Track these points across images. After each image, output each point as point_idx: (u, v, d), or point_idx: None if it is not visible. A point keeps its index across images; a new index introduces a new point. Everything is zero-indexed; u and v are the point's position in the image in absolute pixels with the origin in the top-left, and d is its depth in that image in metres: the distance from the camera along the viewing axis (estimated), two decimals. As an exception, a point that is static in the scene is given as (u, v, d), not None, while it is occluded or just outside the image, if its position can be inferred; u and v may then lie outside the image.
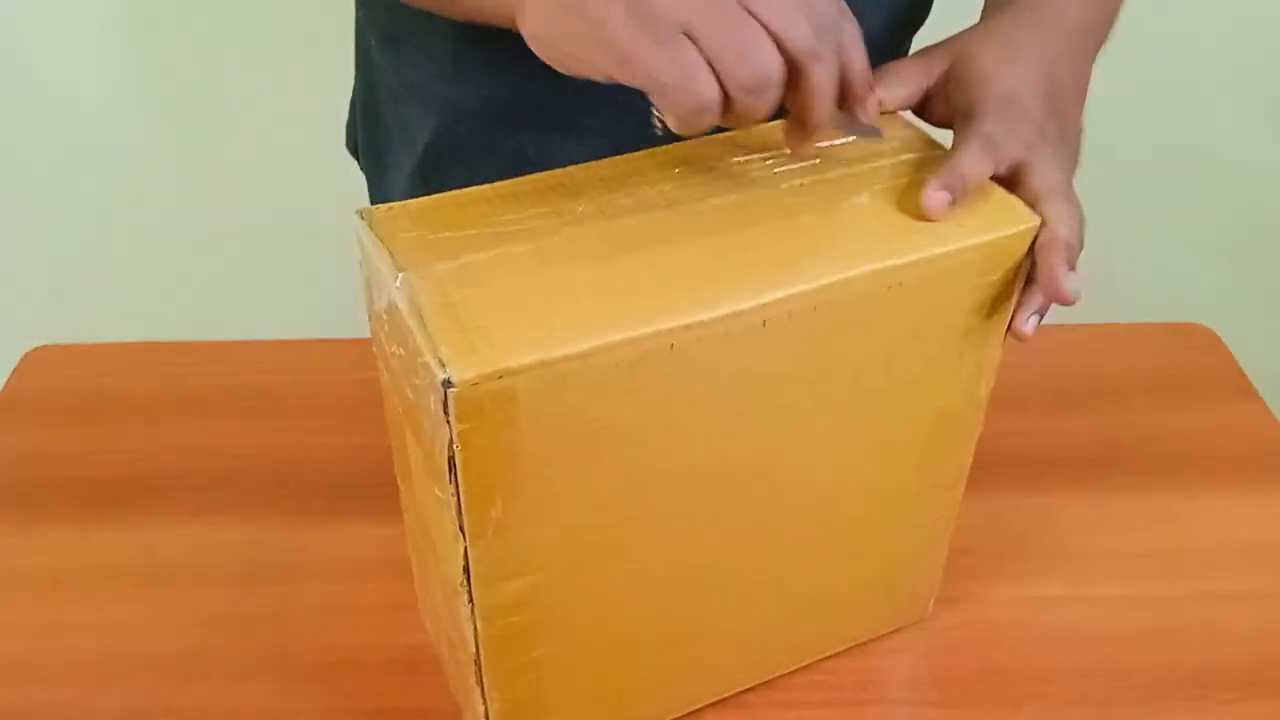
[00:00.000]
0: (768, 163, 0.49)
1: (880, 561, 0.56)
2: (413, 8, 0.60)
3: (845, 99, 0.46)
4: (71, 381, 0.75)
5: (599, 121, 0.61)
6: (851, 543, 0.54)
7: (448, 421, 0.39)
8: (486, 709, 0.49)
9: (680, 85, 0.40)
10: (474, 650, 0.47)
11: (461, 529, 0.42)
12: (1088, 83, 0.55)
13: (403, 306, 0.41)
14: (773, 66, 0.41)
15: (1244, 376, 0.76)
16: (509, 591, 0.45)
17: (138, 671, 0.57)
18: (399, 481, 0.53)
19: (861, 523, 0.53)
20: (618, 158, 0.49)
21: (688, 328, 0.41)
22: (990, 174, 0.47)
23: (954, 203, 0.45)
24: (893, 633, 0.60)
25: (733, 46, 0.40)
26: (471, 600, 0.44)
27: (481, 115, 0.66)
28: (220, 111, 1.24)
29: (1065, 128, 0.51)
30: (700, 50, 0.40)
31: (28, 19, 1.18)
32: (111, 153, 1.27)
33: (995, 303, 0.48)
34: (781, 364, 0.44)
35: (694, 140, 0.50)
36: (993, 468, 0.67)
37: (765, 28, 0.41)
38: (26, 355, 0.77)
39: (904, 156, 0.49)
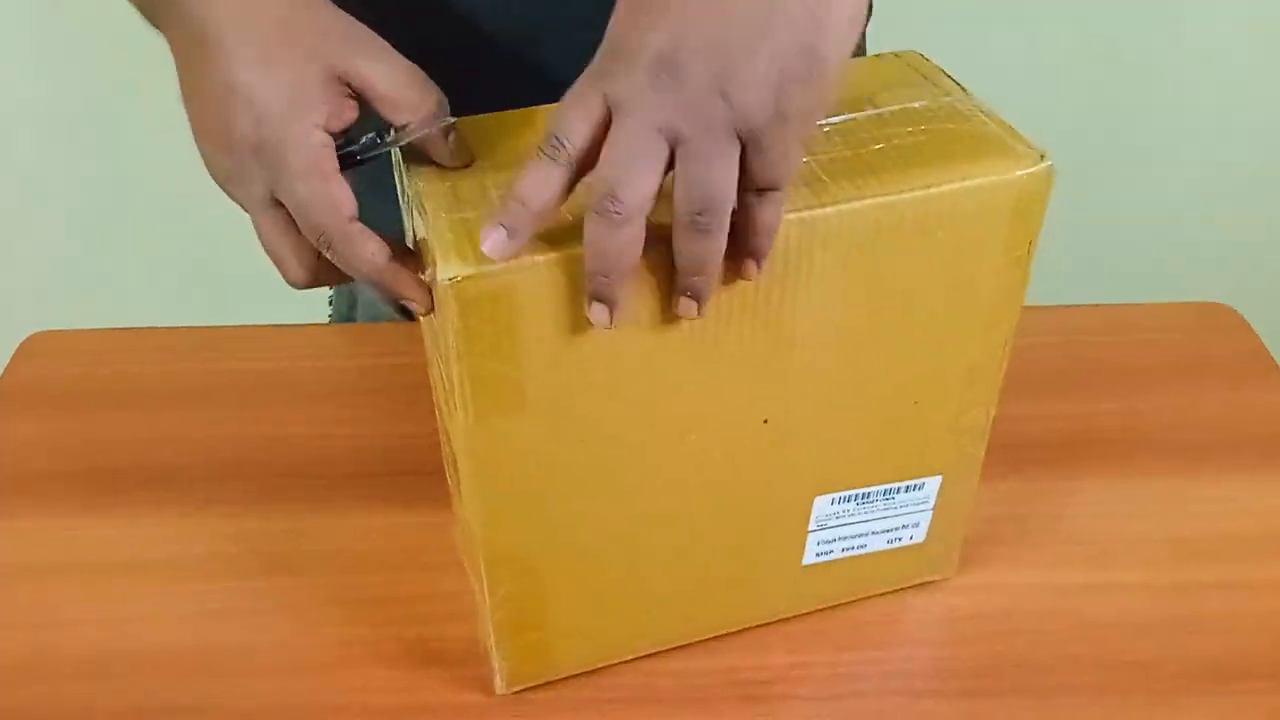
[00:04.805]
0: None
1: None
2: None
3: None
4: (71, 368, 0.73)
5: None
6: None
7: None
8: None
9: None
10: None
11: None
12: None
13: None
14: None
15: (1270, 358, 0.74)
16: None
17: (141, 667, 0.56)
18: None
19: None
20: None
21: None
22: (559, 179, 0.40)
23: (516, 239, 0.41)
24: (910, 621, 0.59)
25: None
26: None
27: None
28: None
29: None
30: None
31: None
32: (107, 136, 1.25)
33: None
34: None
35: None
36: (1012, 451, 0.66)
37: None
38: (25, 341, 0.75)
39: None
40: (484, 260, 0.41)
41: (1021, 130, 0.47)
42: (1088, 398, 0.71)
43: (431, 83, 0.46)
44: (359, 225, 0.45)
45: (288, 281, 0.47)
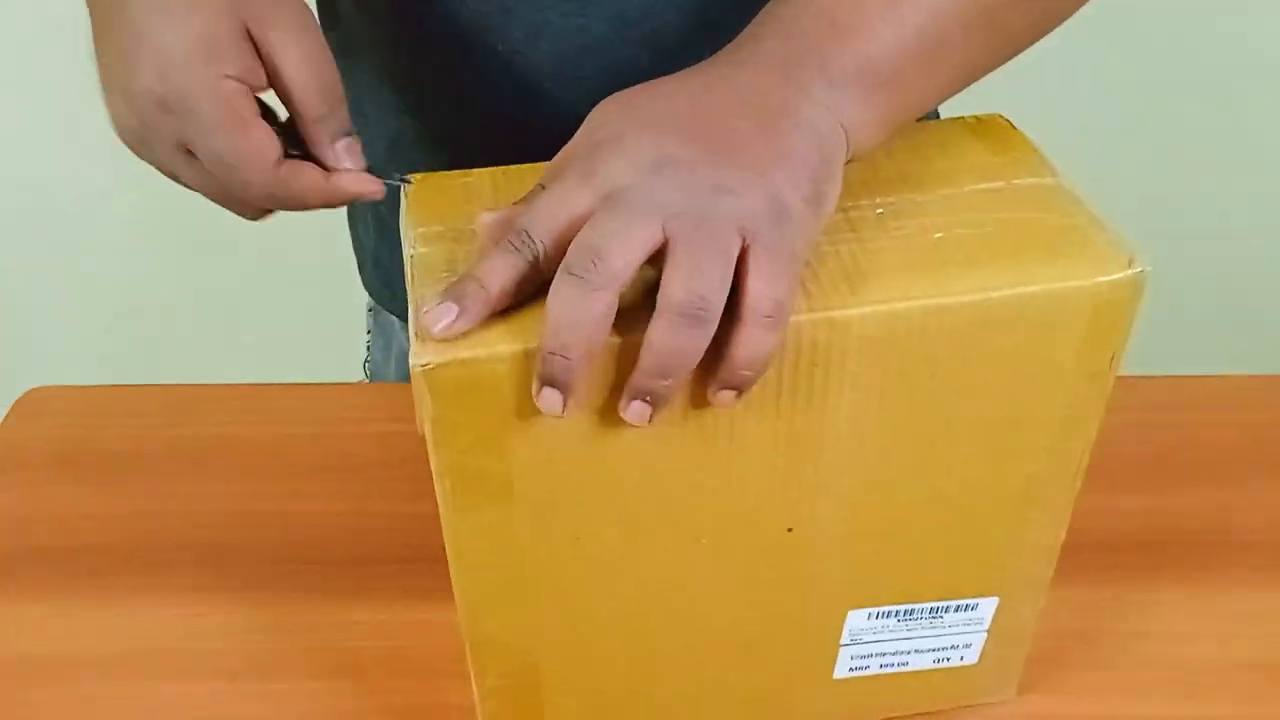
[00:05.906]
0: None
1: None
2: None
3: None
4: (66, 430, 0.69)
5: None
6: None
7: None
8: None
9: None
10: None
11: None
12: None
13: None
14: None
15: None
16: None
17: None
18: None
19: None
20: None
21: None
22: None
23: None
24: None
25: None
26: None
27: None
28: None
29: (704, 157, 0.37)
30: None
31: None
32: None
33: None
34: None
35: None
36: (1079, 554, 0.58)
37: None
38: (22, 397, 0.71)
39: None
40: (468, 343, 0.36)
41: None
42: (1169, 489, 0.63)
43: (336, 84, 0.43)
44: (288, 164, 0.42)
45: (247, 219, 0.46)
